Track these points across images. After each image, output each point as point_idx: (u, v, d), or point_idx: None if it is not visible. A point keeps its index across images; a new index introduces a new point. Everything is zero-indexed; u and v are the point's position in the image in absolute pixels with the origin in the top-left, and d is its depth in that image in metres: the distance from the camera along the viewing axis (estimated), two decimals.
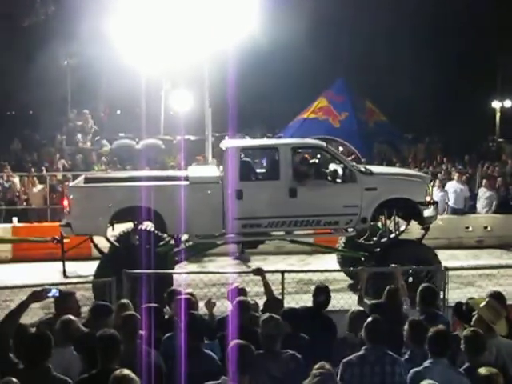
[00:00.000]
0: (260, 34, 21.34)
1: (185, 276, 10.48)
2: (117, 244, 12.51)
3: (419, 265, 9.72)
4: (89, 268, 11.58)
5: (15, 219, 16.21)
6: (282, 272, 8.99)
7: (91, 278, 10.91)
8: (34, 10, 22.46)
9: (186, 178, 11.80)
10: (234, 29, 18.05)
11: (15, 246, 14.95)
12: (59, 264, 12.19)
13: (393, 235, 12.51)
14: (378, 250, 12.25)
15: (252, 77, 29.16)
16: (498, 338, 6.18)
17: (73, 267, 12.44)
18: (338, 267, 13.07)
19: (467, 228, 17.51)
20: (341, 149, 24.66)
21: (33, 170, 18.69)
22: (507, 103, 36.63)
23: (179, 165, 18.42)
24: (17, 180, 18.00)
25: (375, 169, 12.97)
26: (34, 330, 6.24)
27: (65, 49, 26.77)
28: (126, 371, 5.04)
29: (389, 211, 12.27)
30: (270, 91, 33.03)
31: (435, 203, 12.86)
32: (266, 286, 8.00)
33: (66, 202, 11.79)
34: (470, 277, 12.38)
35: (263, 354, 5.87)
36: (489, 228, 17.51)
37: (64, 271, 11.88)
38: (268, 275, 8.20)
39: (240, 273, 10.10)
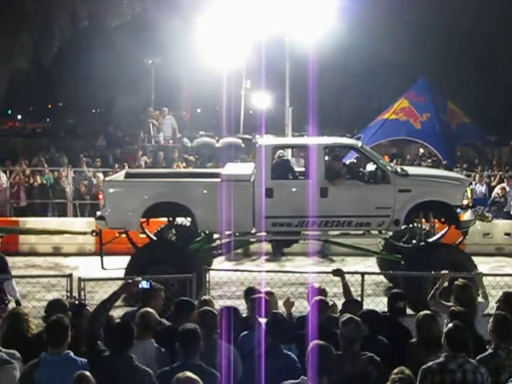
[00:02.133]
0: (341, 34, 21.23)
1: (264, 275, 10.55)
2: (153, 238, 12.71)
3: (452, 270, 9.42)
4: None
5: (99, 213, 16.69)
6: (362, 274, 8.94)
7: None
8: (121, 11, 23.08)
9: (218, 176, 11.88)
10: (315, 28, 18.03)
11: (99, 239, 15.39)
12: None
13: (431, 239, 12.21)
14: (412, 253, 11.91)
15: (333, 76, 29.02)
16: None
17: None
18: None
19: None
20: (422, 151, 24.32)
21: (116, 166, 19.23)
22: None
23: None
24: (101, 176, 18.54)
25: (412, 170, 12.70)
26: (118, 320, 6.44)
27: (149, 48, 27.39)
28: (188, 373, 5.13)
29: (425, 214, 11.98)
30: (351, 91, 32.77)
31: (474, 207, 12.48)
32: (345, 287, 7.95)
33: (101, 196, 12.13)
34: None
35: (341, 356, 5.85)
36: None
37: (102, 264, 12.03)
38: (347, 276, 8.16)
39: (319, 273, 10.08)
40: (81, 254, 15.57)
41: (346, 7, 19.52)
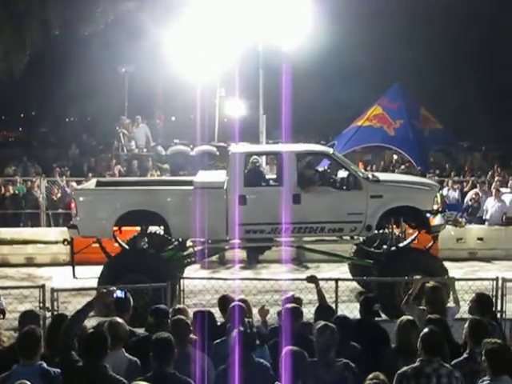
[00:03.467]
0: (314, 41, 21.32)
1: (238, 282, 10.54)
2: (127, 247, 12.69)
3: (424, 274, 9.61)
4: None
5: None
6: (336, 280, 8.99)
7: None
8: (94, 20, 22.95)
9: (191, 183, 11.91)
10: (288, 36, 18.10)
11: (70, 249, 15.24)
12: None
13: (402, 244, 12.41)
14: (383, 258, 12.14)
15: (306, 84, 29.10)
16: None
17: None
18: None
19: None
20: (395, 157, 24.48)
21: (90, 175, 19.07)
22: None
23: None
24: (75, 185, 18.36)
25: (383, 176, 12.92)
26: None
27: (122, 56, 27.26)
28: (141, 383, 5.16)
29: (396, 219, 12.18)
30: (325, 98, 32.93)
31: (443, 212, 12.71)
32: (320, 293, 7.98)
33: (73, 205, 12.14)
34: None
35: (317, 362, 5.86)
36: None
37: (73, 273, 12.05)
38: (322, 283, 8.19)
39: (294, 280, 10.11)
40: (54, 264, 15.42)
41: (320, 15, 19.64)
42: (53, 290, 8.61)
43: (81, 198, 11.87)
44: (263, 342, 6.51)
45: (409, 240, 12.63)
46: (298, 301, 7.67)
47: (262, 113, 19.11)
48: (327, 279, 9.04)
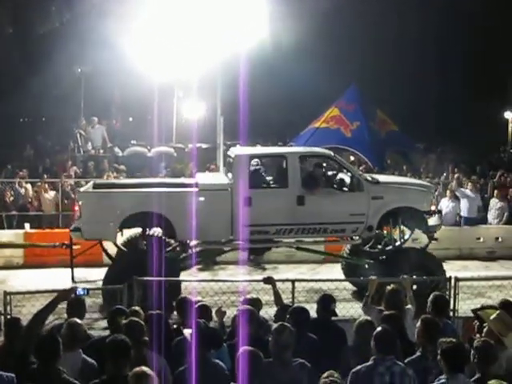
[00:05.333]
0: (272, 43, 21.44)
1: (195, 284, 10.53)
2: (124, 249, 12.60)
3: (423, 273, 9.78)
4: (99, 274, 11.76)
5: (27, 225, 16.30)
6: (293, 281, 9.05)
7: (100, 284, 11.08)
8: (49, 19, 22.67)
9: (196, 185, 11.93)
10: (246, 37, 18.15)
11: (27, 252, 15.03)
12: (70, 270, 12.27)
13: (398, 243, 12.59)
14: (383, 257, 12.35)
15: (264, 85, 29.20)
16: (507, 350, 6.16)
17: (82, 273, 12.54)
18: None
19: (478, 239, 17.44)
20: (352, 158, 24.73)
21: (45, 176, 18.79)
22: None
23: (192, 173, 18.44)
24: (29, 186, 18.09)
25: (382, 178, 13.15)
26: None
27: (78, 56, 26.97)
28: (144, 368, 5.16)
29: (394, 219, 12.39)
30: (282, 100, 33.11)
31: (439, 212, 13.06)
32: (276, 294, 8.03)
33: (76, 207, 12.05)
34: (480, 288, 12.37)
35: (273, 362, 5.88)
36: (500, 239, 17.42)
37: (72, 277, 11.98)
38: (278, 284, 8.24)
39: (250, 281, 10.13)
40: (8, 267, 15.12)
41: (277, 17, 19.75)
42: (5, 293, 8.47)
43: (85, 201, 11.73)
44: (220, 343, 6.51)
45: (404, 239, 12.80)
46: (256, 302, 7.68)
47: (220, 114, 19.10)
48: (284, 280, 9.09)
